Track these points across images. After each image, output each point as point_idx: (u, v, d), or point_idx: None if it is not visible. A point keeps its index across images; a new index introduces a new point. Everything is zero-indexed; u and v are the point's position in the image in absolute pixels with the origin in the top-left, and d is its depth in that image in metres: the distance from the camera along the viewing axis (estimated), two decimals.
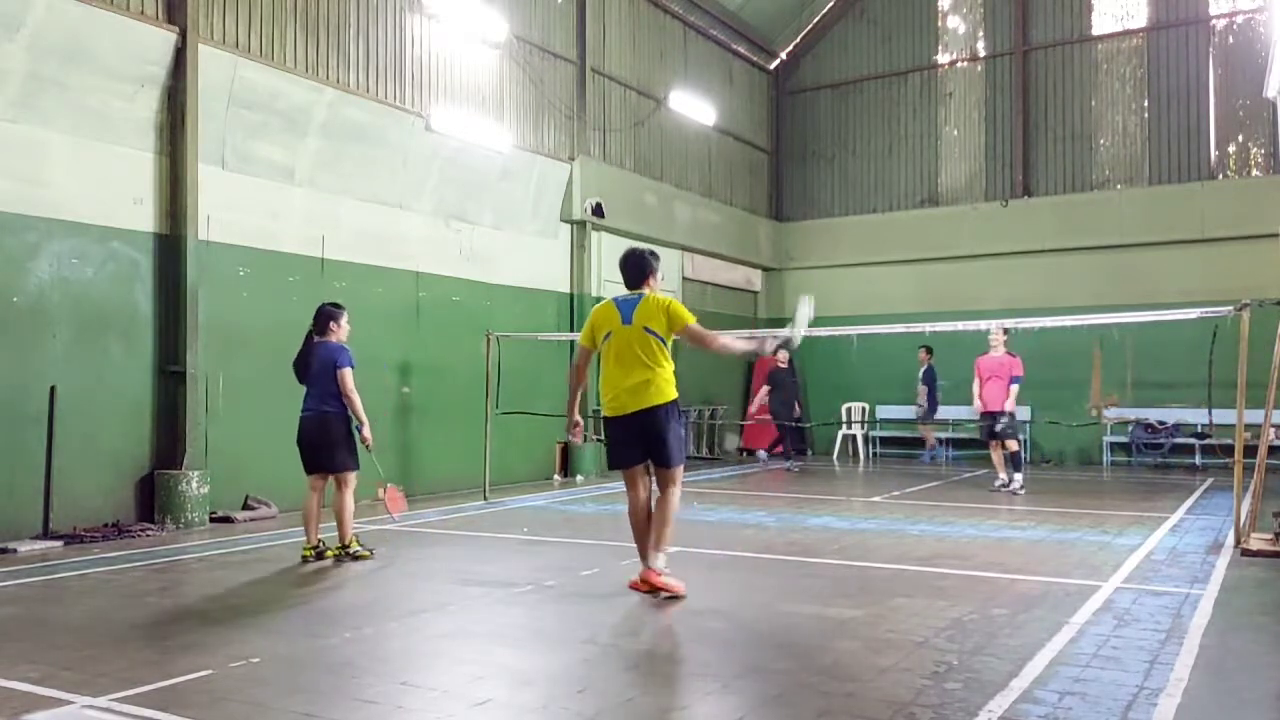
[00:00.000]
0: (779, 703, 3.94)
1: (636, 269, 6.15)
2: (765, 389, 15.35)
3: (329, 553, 7.25)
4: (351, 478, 7.31)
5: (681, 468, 6.07)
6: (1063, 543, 8.02)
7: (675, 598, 5.88)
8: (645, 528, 6.02)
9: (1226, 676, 4.38)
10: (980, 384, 11.92)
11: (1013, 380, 11.72)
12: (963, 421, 16.56)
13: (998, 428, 11.81)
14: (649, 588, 5.92)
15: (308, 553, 7.23)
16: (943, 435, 16.95)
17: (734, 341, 6.51)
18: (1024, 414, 14.80)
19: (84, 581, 6.57)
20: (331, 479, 7.30)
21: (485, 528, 9.09)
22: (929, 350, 16.04)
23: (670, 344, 6.05)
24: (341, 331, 7.52)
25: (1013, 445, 11.94)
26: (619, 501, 10.87)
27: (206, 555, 7.62)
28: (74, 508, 8.38)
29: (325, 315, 7.51)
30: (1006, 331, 11.82)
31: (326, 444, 7.29)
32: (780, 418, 15.00)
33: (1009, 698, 3.96)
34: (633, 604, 6.10)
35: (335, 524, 7.27)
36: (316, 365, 7.35)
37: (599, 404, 6.33)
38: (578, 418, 6.32)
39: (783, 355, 14.19)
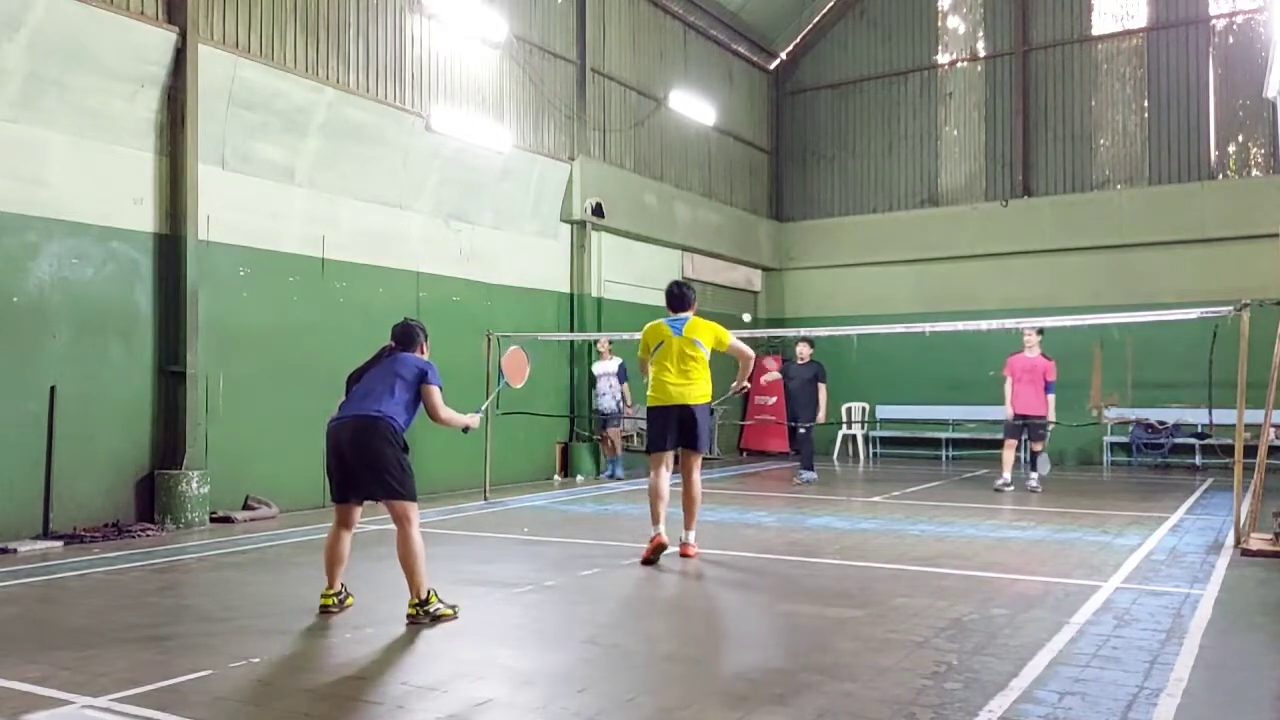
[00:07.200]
0: (779, 703, 3.94)
1: (681, 298, 7.56)
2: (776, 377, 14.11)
3: None
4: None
5: (701, 458, 7.45)
6: (1063, 543, 8.02)
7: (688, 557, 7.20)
8: (661, 502, 7.25)
9: (1226, 676, 4.38)
10: (1013, 384, 11.93)
11: (1048, 388, 11.73)
12: (962, 422, 16.57)
13: (1032, 437, 11.88)
14: (684, 555, 7.30)
15: None
16: (944, 435, 16.96)
17: (748, 369, 7.71)
18: None
19: (84, 581, 6.56)
20: None
21: (485, 528, 9.09)
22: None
23: (709, 356, 7.39)
24: None
25: (1037, 446, 12.00)
26: (619, 502, 10.90)
27: (206, 555, 7.61)
28: (74, 508, 8.38)
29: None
30: (1040, 332, 11.82)
31: None
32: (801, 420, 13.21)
33: (1009, 698, 3.96)
34: (633, 603, 6.10)
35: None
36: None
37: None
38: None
39: (804, 350, 13.19)
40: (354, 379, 5.82)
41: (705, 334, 7.40)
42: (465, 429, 5.95)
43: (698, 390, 7.34)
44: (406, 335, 5.88)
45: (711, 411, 7.51)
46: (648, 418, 7.55)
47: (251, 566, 7.17)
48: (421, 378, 5.65)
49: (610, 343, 13.56)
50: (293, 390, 10.06)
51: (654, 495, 7.31)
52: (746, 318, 16.57)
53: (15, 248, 8.12)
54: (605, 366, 13.69)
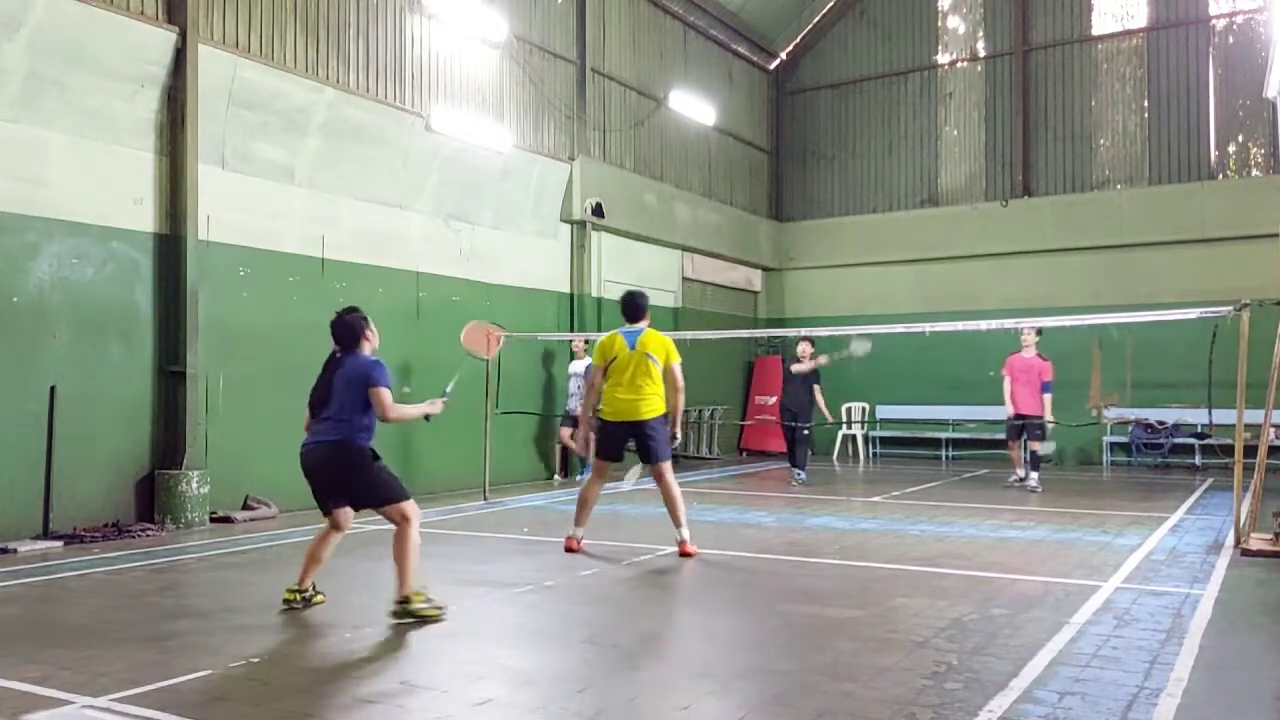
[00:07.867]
0: (779, 703, 3.94)
1: (635, 307, 7.60)
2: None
3: None
4: None
5: (669, 462, 7.48)
6: (1063, 543, 8.02)
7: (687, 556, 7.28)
8: (589, 507, 7.63)
9: (1226, 676, 4.38)
10: (1011, 384, 12.00)
11: (1044, 388, 11.80)
12: (962, 422, 16.56)
13: (1030, 437, 11.94)
14: (684, 555, 7.32)
15: None
16: (944, 435, 16.95)
17: (680, 400, 7.61)
18: None
19: (84, 581, 6.57)
20: None
21: (485, 528, 9.10)
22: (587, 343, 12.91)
23: (662, 369, 7.46)
24: None
25: (1035, 446, 12.09)
26: (618, 502, 10.89)
27: (206, 555, 7.61)
28: (74, 508, 8.37)
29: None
30: (1039, 332, 11.88)
31: None
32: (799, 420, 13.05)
33: (1009, 698, 3.96)
34: (632, 604, 6.11)
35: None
36: None
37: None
38: (588, 430, 8.11)
39: (818, 358, 13.09)
40: (315, 394, 5.67)
41: (658, 348, 7.46)
42: (426, 417, 5.75)
43: (649, 405, 7.41)
44: (348, 334, 5.56)
45: (666, 420, 7.57)
46: (600, 429, 7.67)
47: (251, 566, 7.17)
48: (366, 382, 5.38)
49: (587, 342, 13.07)
50: (293, 390, 9.93)
51: (581, 500, 7.66)
52: (860, 350, 13.04)
53: (15, 248, 8.12)
54: (575, 367, 13.26)
